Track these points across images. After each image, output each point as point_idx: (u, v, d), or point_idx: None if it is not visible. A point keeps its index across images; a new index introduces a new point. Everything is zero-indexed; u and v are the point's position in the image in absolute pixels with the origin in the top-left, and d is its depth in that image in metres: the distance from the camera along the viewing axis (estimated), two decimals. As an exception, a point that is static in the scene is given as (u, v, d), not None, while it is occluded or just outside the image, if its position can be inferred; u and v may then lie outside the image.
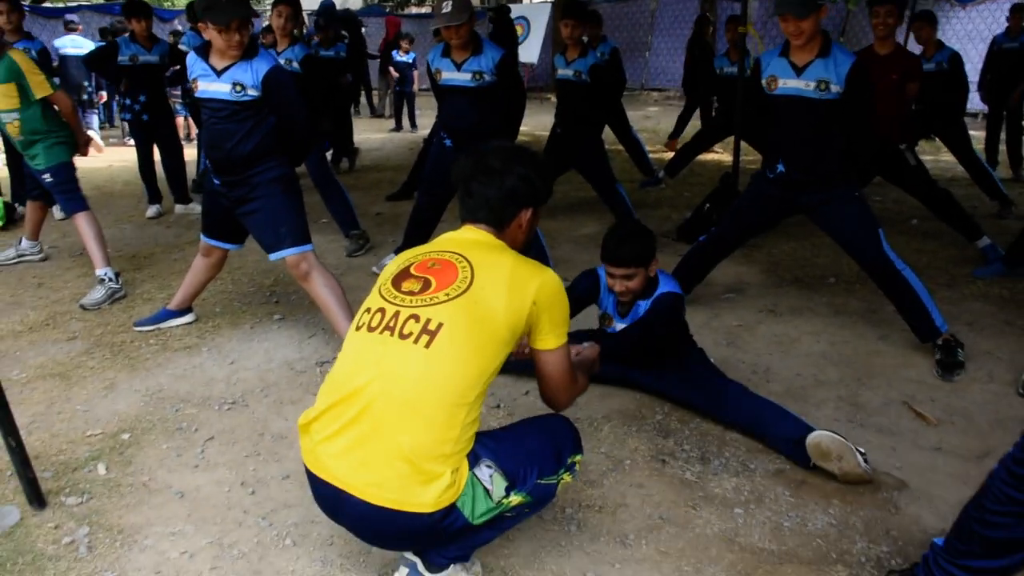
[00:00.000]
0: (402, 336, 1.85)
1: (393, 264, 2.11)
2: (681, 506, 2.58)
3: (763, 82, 3.70)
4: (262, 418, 3.20)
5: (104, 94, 11.69)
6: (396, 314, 1.90)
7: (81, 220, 4.59)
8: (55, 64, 9.17)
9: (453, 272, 1.92)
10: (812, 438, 2.68)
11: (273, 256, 3.67)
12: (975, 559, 1.90)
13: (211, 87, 3.48)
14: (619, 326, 3.25)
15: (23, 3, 6.19)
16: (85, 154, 4.88)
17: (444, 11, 4.18)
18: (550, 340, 2.01)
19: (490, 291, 1.88)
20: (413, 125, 12.69)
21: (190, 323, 4.17)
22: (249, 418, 3.20)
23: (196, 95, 3.56)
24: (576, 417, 3.12)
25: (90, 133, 11.40)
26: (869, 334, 3.99)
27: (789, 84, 3.59)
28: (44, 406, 3.30)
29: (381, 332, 1.89)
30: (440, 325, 1.84)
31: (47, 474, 2.76)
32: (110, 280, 4.52)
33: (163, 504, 2.62)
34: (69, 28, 11.03)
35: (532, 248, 5.50)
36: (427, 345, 1.83)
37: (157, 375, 3.60)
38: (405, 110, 12.79)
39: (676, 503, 2.59)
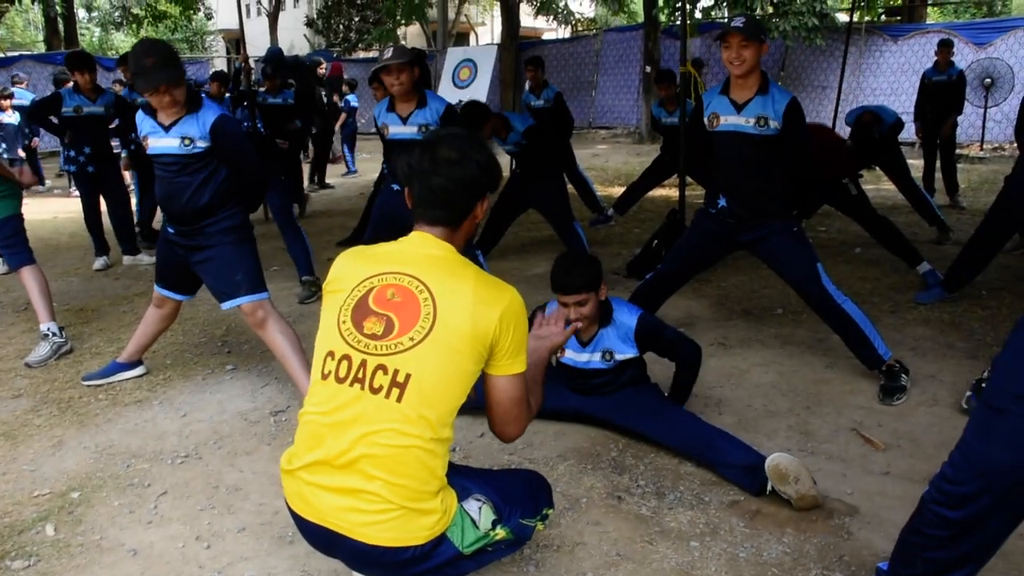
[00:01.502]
0: (373, 390, 1.83)
1: (346, 280, 1.97)
2: (638, 542, 2.59)
3: (705, 119, 3.81)
4: (216, 471, 3.15)
5: (38, 140, 11.78)
6: (363, 364, 1.86)
7: (27, 274, 4.50)
8: None
9: (415, 308, 1.86)
10: (772, 460, 2.73)
11: (227, 304, 3.66)
12: None
13: (160, 143, 3.52)
14: (580, 356, 3.29)
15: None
16: (29, 185, 4.84)
17: (386, 55, 4.25)
18: (509, 366, 1.93)
19: (453, 325, 1.84)
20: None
21: (140, 376, 4.11)
22: (203, 471, 3.15)
23: (147, 152, 3.59)
24: (532, 458, 3.14)
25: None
26: (817, 363, 4.07)
27: (730, 120, 3.70)
28: (-11, 467, 3.22)
29: (351, 384, 1.86)
30: (408, 376, 1.82)
31: (-8, 538, 2.69)
32: (54, 335, 4.44)
33: (115, 563, 2.57)
34: (15, 82, 11.70)
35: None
36: (398, 399, 1.82)
37: (107, 430, 3.53)
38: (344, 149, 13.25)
39: (633, 539, 2.61)
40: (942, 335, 4.41)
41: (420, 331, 1.84)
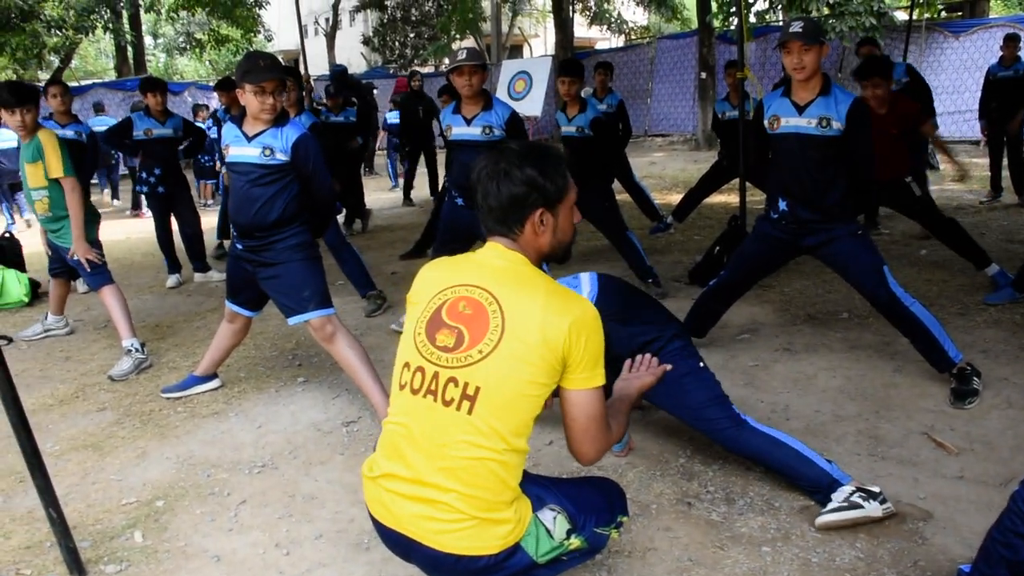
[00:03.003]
0: (445, 403, 1.87)
1: (424, 292, 2.03)
2: (709, 547, 2.61)
3: (765, 122, 3.80)
4: (292, 480, 3.25)
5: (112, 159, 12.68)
6: (436, 376, 1.90)
7: (107, 293, 4.72)
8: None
9: (484, 320, 1.88)
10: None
11: (295, 320, 3.75)
12: None
13: (241, 151, 3.64)
14: None
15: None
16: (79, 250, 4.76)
17: (460, 56, 4.39)
18: (582, 379, 1.89)
19: (522, 336, 1.85)
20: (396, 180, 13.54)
21: (216, 389, 4.26)
22: (279, 480, 3.26)
23: (227, 160, 3.72)
24: (601, 464, 3.16)
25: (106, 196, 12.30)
26: (885, 367, 4.03)
27: (791, 122, 3.68)
28: (79, 477, 3.37)
29: (424, 396, 1.91)
30: (478, 389, 1.84)
31: (85, 543, 2.82)
32: (136, 351, 4.62)
33: (200, 568, 2.67)
34: (97, 111, 12.75)
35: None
36: (469, 412, 1.85)
37: (187, 442, 3.67)
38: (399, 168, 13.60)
39: (704, 544, 2.62)
40: (1014, 337, 4.32)
41: (489, 343, 1.86)
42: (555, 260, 2.09)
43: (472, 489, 1.85)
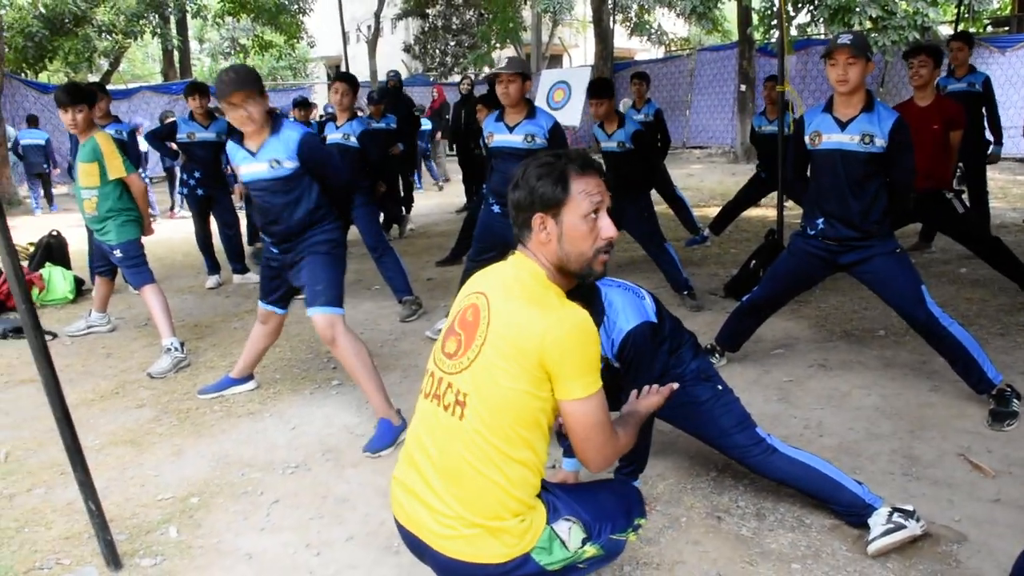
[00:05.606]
0: (445, 408, 1.93)
1: (456, 303, 2.09)
2: (738, 562, 2.60)
3: (806, 138, 3.76)
4: (324, 481, 3.29)
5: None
6: (440, 381, 1.96)
7: (148, 293, 4.82)
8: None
9: (476, 326, 1.92)
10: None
11: (310, 312, 3.75)
12: None
13: (251, 169, 3.69)
14: None
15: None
16: (150, 233, 5.13)
17: (501, 65, 4.51)
18: (568, 390, 1.84)
19: (498, 342, 1.85)
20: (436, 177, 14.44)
21: (252, 390, 4.32)
22: (312, 482, 3.30)
23: (241, 179, 3.79)
24: (630, 475, 3.16)
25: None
26: (921, 386, 3.97)
27: (833, 138, 3.64)
28: (117, 471, 3.44)
29: (432, 400, 1.98)
30: (466, 395, 1.88)
31: (122, 536, 2.87)
32: (175, 350, 4.71)
33: (232, 566, 2.72)
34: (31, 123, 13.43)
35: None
36: (460, 417, 1.88)
37: (222, 441, 3.73)
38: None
39: (733, 559, 2.61)
40: (1057, 359, 4.24)
41: (475, 350, 1.89)
42: (584, 276, 1.99)
43: (470, 494, 1.88)
